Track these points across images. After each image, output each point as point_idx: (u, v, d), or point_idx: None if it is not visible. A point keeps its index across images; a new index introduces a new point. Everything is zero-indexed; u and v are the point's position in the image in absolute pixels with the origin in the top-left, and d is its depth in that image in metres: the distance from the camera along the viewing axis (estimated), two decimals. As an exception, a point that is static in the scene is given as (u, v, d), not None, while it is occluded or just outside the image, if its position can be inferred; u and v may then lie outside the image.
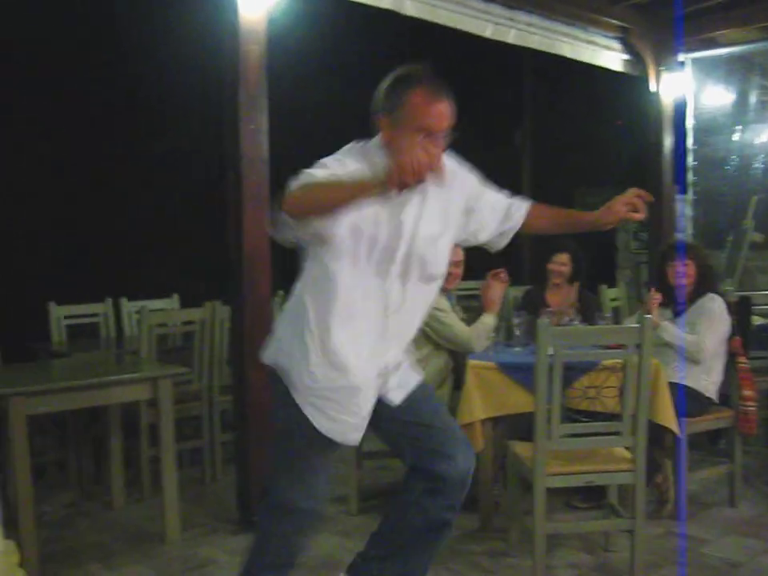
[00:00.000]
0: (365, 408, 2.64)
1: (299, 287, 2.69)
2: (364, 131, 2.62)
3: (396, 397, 2.73)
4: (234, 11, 4.18)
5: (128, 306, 6.40)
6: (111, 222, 7.71)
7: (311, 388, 2.60)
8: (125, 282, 6.84)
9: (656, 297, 4.63)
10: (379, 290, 2.57)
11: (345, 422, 2.62)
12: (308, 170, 2.42)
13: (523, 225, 2.87)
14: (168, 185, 7.60)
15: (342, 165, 2.48)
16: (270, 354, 2.74)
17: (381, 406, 2.71)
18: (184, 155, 7.40)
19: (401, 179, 2.19)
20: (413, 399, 2.76)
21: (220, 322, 5.21)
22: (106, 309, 6.29)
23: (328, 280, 2.55)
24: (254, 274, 4.30)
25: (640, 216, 2.74)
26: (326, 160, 2.51)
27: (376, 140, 2.61)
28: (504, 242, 2.92)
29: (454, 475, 2.68)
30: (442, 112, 2.48)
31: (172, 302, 6.58)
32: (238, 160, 4.25)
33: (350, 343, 2.57)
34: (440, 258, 2.69)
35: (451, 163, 2.68)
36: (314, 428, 2.61)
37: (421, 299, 2.72)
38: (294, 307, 2.68)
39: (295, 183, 2.37)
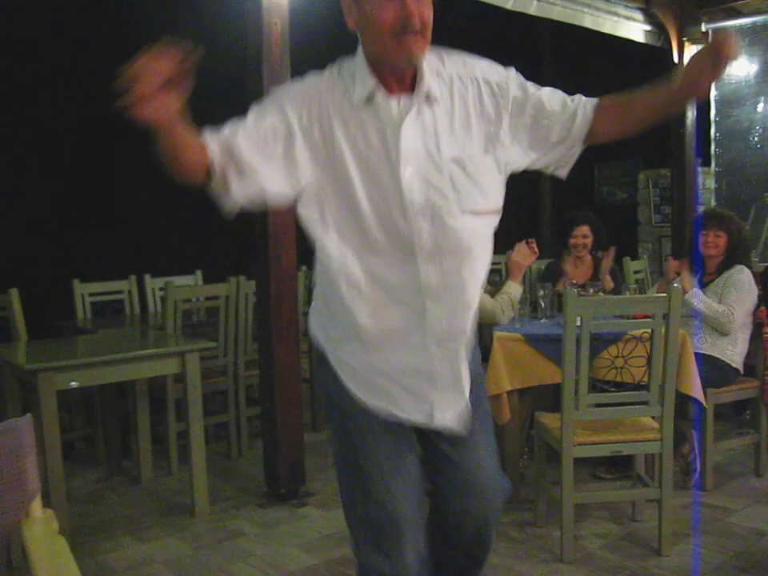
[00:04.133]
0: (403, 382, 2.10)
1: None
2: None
3: (445, 418, 2.14)
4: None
5: (151, 283, 6.43)
6: (134, 199, 7.75)
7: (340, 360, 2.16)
8: (148, 259, 6.87)
9: (673, 264, 4.64)
10: (398, 233, 2.00)
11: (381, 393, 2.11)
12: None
13: (592, 132, 2.16)
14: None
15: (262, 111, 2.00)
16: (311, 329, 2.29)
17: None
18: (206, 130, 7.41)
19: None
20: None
21: (245, 297, 5.22)
22: (129, 286, 6.32)
23: (325, 245, 2.05)
24: (279, 248, 4.31)
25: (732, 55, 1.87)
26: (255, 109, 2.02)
27: (358, 52, 2.07)
28: (568, 159, 2.20)
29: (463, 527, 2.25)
30: None
31: (195, 278, 6.61)
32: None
33: (372, 311, 2.06)
34: (479, 184, 2.05)
35: (464, 66, 2.10)
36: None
37: (467, 239, 2.04)
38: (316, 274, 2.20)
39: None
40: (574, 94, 2.15)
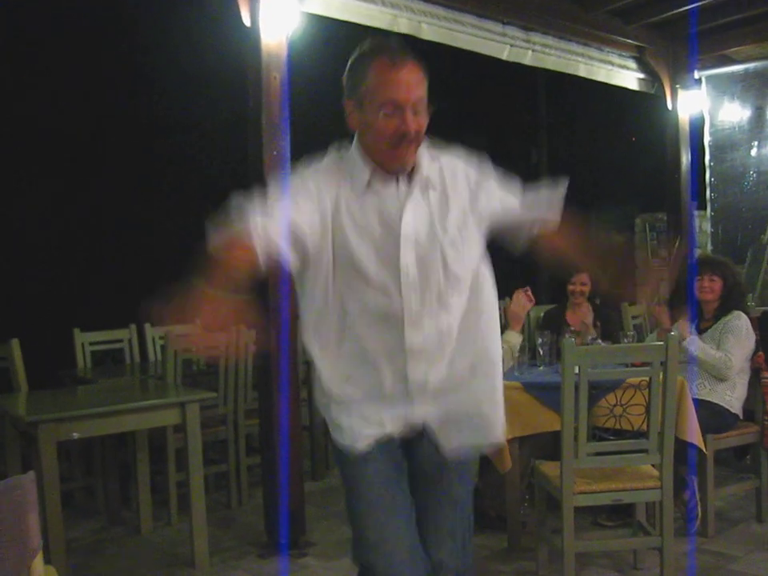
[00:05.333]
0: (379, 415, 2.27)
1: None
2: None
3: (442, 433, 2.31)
4: (257, 39, 4.27)
5: (152, 332, 6.44)
6: (134, 247, 7.79)
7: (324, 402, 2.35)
8: (147, 308, 6.88)
9: (660, 308, 4.69)
10: (387, 303, 2.21)
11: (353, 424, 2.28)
12: (240, 208, 2.10)
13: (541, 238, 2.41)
14: (190, 210, 7.67)
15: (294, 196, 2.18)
16: None
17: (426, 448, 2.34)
18: (207, 180, 7.47)
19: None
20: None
21: (244, 346, 5.24)
22: (130, 335, 6.33)
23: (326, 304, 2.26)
24: (278, 297, 4.34)
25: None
26: (280, 193, 2.22)
27: (355, 141, 2.28)
28: (520, 238, 2.44)
29: None
30: (404, 79, 2.13)
31: (195, 327, 6.60)
32: (261, 186, 4.30)
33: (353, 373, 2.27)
34: (465, 257, 2.29)
35: (448, 158, 2.34)
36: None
37: (456, 309, 2.29)
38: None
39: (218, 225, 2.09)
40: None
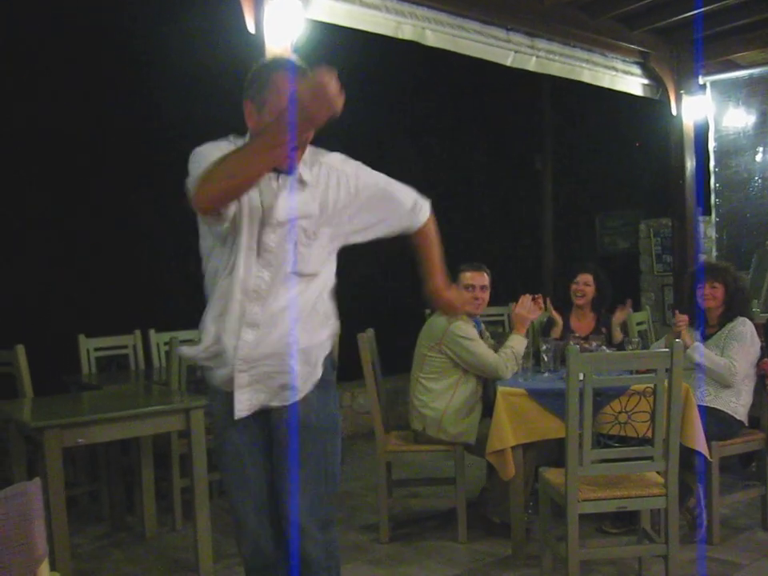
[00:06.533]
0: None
1: None
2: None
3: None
4: (261, 46, 4.28)
5: (156, 338, 6.44)
6: (138, 254, 7.80)
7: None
8: (153, 314, 6.89)
9: (682, 319, 4.63)
10: (243, 273, 2.47)
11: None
12: (196, 164, 2.38)
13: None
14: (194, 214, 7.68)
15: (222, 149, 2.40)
16: None
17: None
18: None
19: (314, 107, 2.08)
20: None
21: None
22: (134, 341, 6.34)
23: (213, 258, 2.56)
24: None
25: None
26: (206, 147, 2.47)
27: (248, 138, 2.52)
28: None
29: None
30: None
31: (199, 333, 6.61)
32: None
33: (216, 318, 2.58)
34: (314, 252, 2.54)
35: (334, 160, 2.59)
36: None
37: (295, 294, 2.52)
38: None
39: (194, 179, 2.33)
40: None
